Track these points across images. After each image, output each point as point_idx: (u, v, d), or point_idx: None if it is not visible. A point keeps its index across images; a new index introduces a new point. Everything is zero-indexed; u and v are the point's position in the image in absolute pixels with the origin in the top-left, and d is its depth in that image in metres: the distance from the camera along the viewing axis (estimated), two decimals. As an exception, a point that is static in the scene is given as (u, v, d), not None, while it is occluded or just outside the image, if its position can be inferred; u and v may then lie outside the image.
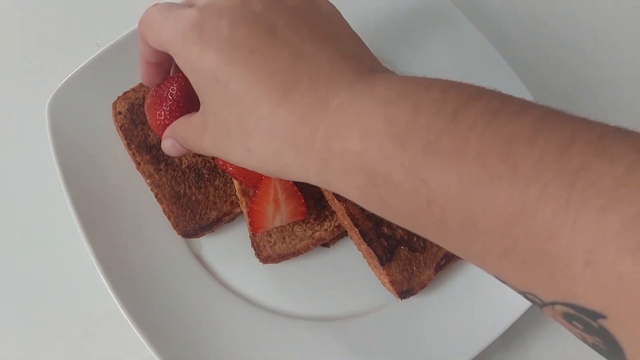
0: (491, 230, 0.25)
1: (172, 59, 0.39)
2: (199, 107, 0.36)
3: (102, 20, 0.55)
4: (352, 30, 0.35)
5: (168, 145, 0.40)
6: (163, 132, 0.40)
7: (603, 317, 0.22)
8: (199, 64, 0.32)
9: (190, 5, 0.34)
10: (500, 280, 0.27)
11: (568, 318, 0.25)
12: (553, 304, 0.25)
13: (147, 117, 0.41)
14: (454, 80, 0.29)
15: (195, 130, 0.36)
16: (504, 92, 0.27)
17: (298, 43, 0.31)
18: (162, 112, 0.39)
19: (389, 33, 0.53)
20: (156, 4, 0.36)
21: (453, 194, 0.25)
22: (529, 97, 0.49)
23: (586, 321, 0.23)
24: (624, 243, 0.21)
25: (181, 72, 0.38)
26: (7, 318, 0.45)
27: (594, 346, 0.25)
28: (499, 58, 0.51)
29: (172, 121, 0.39)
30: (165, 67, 0.38)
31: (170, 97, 0.39)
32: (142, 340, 0.40)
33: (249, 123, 0.31)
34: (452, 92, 0.27)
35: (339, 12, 0.35)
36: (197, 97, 0.35)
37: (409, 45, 0.53)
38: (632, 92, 0.56)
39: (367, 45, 0.34)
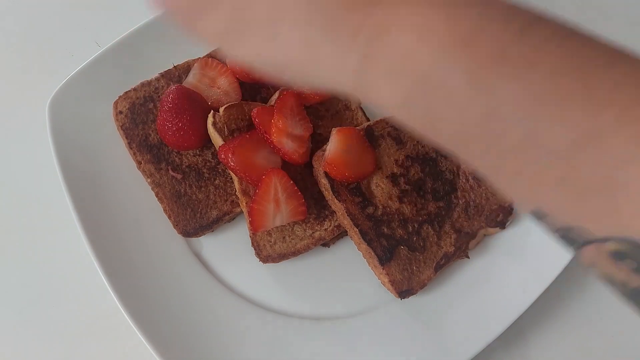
0: (554, 151, 0.23)
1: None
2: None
3: (102, 20, 0.55)
4: None
5: None
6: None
7: None
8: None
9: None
10: (538, 215, 0.25)
11: (618, 256, 0.23)
12: (604, 240, 0.23)
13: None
14: None
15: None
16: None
17: None
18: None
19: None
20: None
21: (518, 107, 0.23)
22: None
23: None
24: None
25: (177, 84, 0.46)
26: (7, 318, 0.45)
27: (637, 291, 0.23)
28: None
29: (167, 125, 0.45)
30: None
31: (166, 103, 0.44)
32: (141, 338, 0.40)
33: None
34: (519, 11, 0.25)
35: None
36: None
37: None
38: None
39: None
